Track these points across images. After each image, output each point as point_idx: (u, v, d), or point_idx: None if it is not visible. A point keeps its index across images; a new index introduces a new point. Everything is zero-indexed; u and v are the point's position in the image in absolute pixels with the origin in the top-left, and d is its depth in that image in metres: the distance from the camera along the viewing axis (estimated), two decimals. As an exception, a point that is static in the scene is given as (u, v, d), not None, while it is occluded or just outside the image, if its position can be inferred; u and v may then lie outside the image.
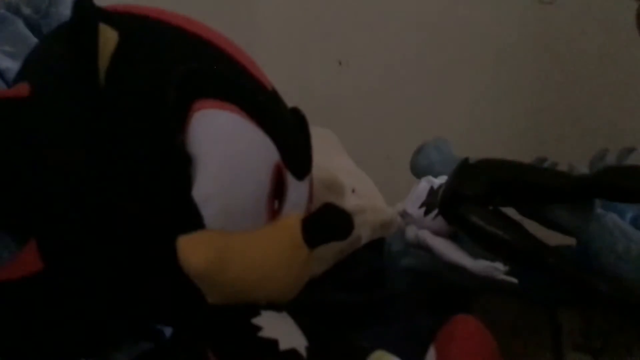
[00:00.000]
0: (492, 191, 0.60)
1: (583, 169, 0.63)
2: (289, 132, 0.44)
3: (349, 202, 0.74)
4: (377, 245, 0.75)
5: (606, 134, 1.22)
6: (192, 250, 0.38)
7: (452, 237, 0.65)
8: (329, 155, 0.79)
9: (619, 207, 0.61)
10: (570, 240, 0.61)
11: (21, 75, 0.42)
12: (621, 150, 0.68)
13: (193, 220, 0.38)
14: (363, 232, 0.74)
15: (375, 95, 1.34)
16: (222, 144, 0.39)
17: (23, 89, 0.39)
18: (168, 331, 0.46)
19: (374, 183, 0.83)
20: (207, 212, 0.38)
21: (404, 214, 0.69)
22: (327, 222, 0.42)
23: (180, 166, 0.38)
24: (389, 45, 1.33)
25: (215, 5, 1.19)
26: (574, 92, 1.31)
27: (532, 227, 0.62)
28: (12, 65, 0.51)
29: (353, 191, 0.77)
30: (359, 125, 1.27)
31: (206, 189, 0.38)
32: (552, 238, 0.62)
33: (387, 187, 0.82)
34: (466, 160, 0.61)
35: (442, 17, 1.32)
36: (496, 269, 0.61)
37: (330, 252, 0.70)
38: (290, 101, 0.48)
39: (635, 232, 0.58)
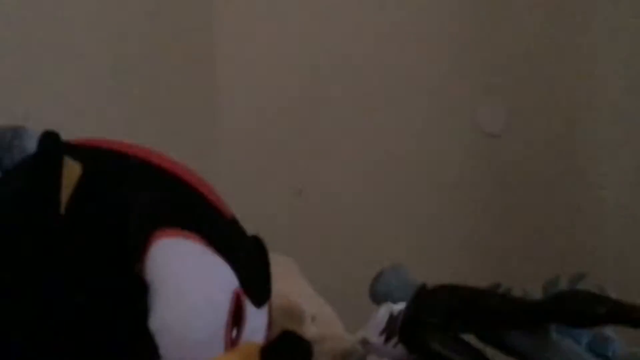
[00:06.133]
0: (451, 317, 0.60)
1: (536, 294, 0.64)
2: (248, 260, 0.44)
3: (309, 331, 0.73)
4: (337, 375, 0.73)
5: (555, 261, 1.25)
6: None
7: (414, 364, 0.64)
8: (289, 282, 0.79)
9: (574, 332, 0.62)
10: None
11: None
12: (572, 276, 0.70)
13: (148, 350, 0.37)
14: (323, 362, 0.72)
15: (333, 222, 1.36)
16: (181, 273, 0.39)
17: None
18: None
19: (333, 310, 0.83)
20: (164, 342, 0.38)
21: (364, 343, 0.68)
22: (286, 350, 0.41)
23: (137, 295, 0.38)
24: (345, 174, 1.38)
25: (177, 135, 1.22)
26: (522, 220, 1.35)
27: (493, 354, 0.62)
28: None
29: (313, 319, 0.76)
30: (318, 253, 1.28)
31: (163, 319, 0.38)
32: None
33: (347, 314, 0.81)
34: (423, 286, 0.62)
35: (396, 151, 1.38)
36: (458, 397, 0.60)
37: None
38: (250, 229, 0.49)
39: (591, 358, 0.59)
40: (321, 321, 0.76)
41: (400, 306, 0.67)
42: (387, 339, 0.65)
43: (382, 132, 1.39)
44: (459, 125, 1.38)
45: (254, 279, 0.44)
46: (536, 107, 1.36)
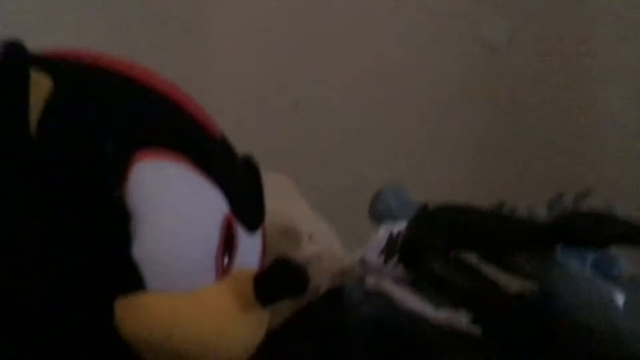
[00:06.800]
0: (452, 238, 0.58)
1: (543, 212, 0.62)
2: (239, 182, 0.41)
3: (306, 250, 0.71)
4: (336, 293, 0.72)
5: (559, 179, 1.24)
6: (130, 317, 0.35)
7: (413, 285, 0.63)
8: (284, 201, 0.77)
9: (579, 252, 0.61)
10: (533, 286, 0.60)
11: None
12: (577, 194, 0.68)
13: (133, 282, 0.35)
14: (321, 281, 0.72)
15: (330, 138, 1.33)
16: (165, 198, 0.36)
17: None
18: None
19: (331, 229, 0.81)
20: (149, 272, 0.35)
21: (363, 262, 0.67)
22: (280, 278, 0.39)
23: (118, 222, 0.35)
24: (344, 88, 1.34)
25: (164, 48, 1.17)
26: (525, 137, 1.33)
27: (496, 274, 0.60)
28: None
29: (310, 238, 0.74)
30: (315, 169, 1.25)
31: (148, 247, 0.35)
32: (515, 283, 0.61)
33: (346, 233, 0.80)
34: (425, 206, 0.60)
35: (397, 63, 1.33)
36: (458, 318, 0.59)
37: (286, 303, 0.67)
38: (244, 146, 0.46)
39: (597, 278, 0.58)
40: (319, 239, 0.75)
41: (400, 226, 0.65)
42: (386, 259, 0.64)
43: (382, 44, 1.34)
44: (462, 37, 1.33)
45: (246, 202, 0.41)
46: (541, 20, 1.31)
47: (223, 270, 0.38)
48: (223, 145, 0.43)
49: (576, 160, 1.28)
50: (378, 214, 0.71)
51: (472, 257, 0.60)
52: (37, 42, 0.39)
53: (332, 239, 0.79)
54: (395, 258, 0.63)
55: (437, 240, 0.57)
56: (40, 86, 0.35)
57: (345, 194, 1.21)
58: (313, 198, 0.86)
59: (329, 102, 1.33)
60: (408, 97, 1.32)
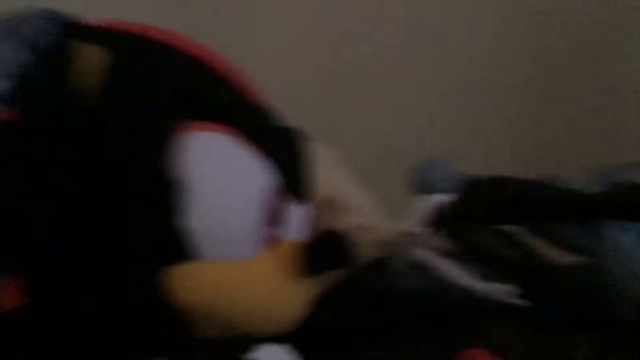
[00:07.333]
0: (499, 210, 0.58)
1: (592, 186, 0.61)
2: (286, 153, 0.42)
3: (349, 221, 0.72)
4: (378, 265, 0.73)
5: (603, 146, 1.20)
6: (181, 287, 0.35)
7: (459, 257, 0.63)
8: (329, 172, 0.77)
9: (630, 226, 0.59)
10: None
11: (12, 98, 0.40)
12: (629, 166, 0.66)
13: (182, 251, 0.36)
14: (365, 251, 0.72)
15: (374, 107, 1.32)
16: (215, 169, 0.37)
17: (13, 113, 0.37)
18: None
19: (375, 201, 0.81)
20: (199, 241, 0.36)
21: (407, 234, 0.66)
22: (328, 250, 0.40)
23: (169, 193, 0.35)
24: (382, 54, 1.32)
25: (209, 22, 1.17)
26: (571, 105, 1.29)
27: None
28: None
29: (354, 209, 0.75)
30: (358, 140, 1.25)
31: (198, 218, 0.36)
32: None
33: (390, 205, 0.80)
34: (471, 178, 0.59)
35: (439, 26, 1.30)
36: (505, 291, 0.58)
37: (330, 273, 0.68)
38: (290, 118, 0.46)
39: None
40: (363, 210, 0.75)
41: (443, 199, 0.65)
42: (433, 231, 0.64)
43: (424, 6, 1.30)
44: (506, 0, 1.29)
45: (294, 173, 0.41)
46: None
47: (271, 241, 0.39)
48: (271, 118, 0.43)
49: (623, 128, 1.24)
50: (421, 186, 0.70)
51: (519, 230, 0.59)
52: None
53: (376, 210, 0.79)
54: (441, 230, 0.62)
55: (484, 212, 0.57)
56: (99, 59, 0.36)
57: (388, 164, 1.20)
58: (356, 169, 0.86)
59: (368, 70, 1.31)
60: (449, 64, 1.30)
